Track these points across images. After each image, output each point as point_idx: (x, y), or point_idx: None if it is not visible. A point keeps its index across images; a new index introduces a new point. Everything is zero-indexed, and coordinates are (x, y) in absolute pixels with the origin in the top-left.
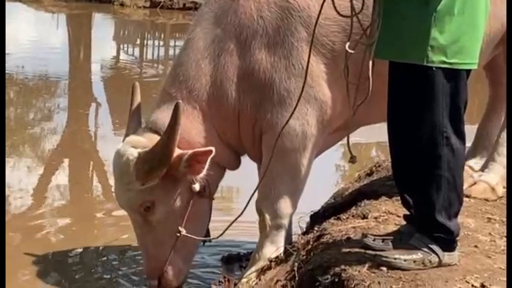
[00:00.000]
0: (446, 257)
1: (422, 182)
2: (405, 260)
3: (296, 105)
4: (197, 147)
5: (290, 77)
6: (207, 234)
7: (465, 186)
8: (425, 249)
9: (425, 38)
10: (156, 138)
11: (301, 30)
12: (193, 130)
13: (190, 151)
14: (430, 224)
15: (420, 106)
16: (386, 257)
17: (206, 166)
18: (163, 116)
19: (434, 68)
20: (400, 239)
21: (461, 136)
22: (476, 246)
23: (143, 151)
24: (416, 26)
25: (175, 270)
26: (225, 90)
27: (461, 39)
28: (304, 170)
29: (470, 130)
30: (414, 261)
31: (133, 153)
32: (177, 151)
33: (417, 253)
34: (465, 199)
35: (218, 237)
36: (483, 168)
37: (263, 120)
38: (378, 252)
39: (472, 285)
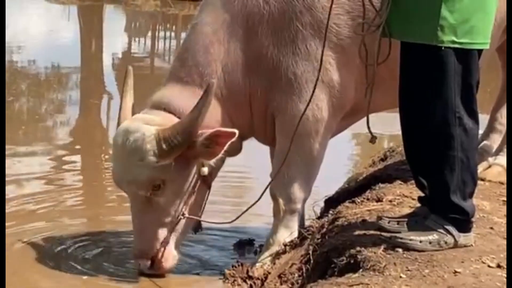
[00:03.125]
0: (462, 238)
1: (436, 163)
2: (420, 241)
3: (313, 93)
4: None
5: (297, 61)
6: (199, 224)
7: (480, 169)
8: (441, 230)
9: (435, 18)
10: (171, 117)
11: (306, 14)
12: (207, 115)
13: (212, 130)
14: (445, 205)
15: (431, 87)
16: (401, 238)
17: (225, 149)
18: (177, 98)
19: (443, 48)
20: (415, 221)
21: (474, 116)
22: (491, 228)
23: (162, 128)
24: (426, 6)
25: (170, 253)
26: (235, 76)
27: (471, 18)
28: (317, 155)
29: (482, 120)
30: (430, 242)
31: (150, 129)
32: None
33: (433, 234)
34: (480, 182)
35: (231, 221)
36: (498, 152)
37: (274, 105)
38: (393, 234)
39: (488, 266)
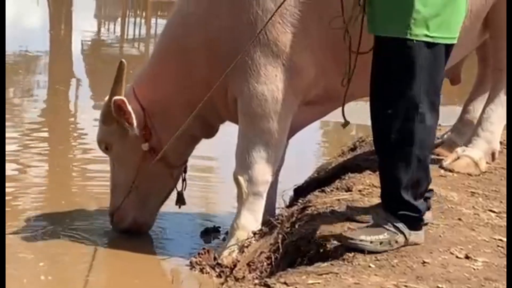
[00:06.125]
0: (413, 236)
1: (392, 157)
2: (371, 242)
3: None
4: (159, 108)
5: (255, 45)
6: (182, 199)
7: (448, 161)
8: (391, 229)
9: (409, 11)
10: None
11: (267, 0)
12: (160, 91)
13: (116, 97)
14: (396, 202)
15: (400, 80)
16: (351, 238)
17: (133, 117)
18: (141, 71)
19: (415, 41)
20: (376, 214)
21: (435, 114)
22: (459, 219)
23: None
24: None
25: (123, 214)
26: (194, 56)
27: (442, 12)
28: (277, 136)
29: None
30: (381, 242)
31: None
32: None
33: (383, 233)
34: (448, 173)
35: None
36: (467, 143)
37: (233, 86)
38: (344, 234)
39: (457, 256)
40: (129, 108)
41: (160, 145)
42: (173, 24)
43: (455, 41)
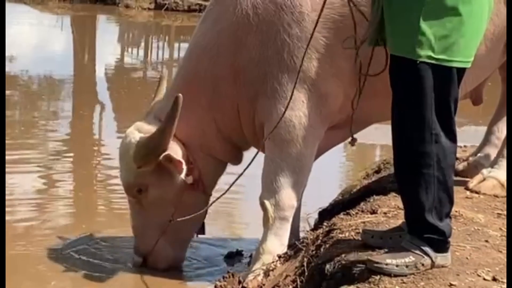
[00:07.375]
0: (439, 258)
1: (411, 181)
2: (397, 266)
3: (291, 97)
4: (193, 139)
5: (283, 71)
6: (202, 228)
7: (474, 182)
8: (417, 252)
9: (414, 32)
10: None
11: (294, 27)
12: (190, 122)
13: (167, 153)
14: (421, 225)
15: (408, 101)
16: (377, 262)
17: (184, 172)
18: (167, 106)
19: (419, 62)
20: (399, 236)
21: (451, 134)
22: (486, 241)
23: (143, 136)
24: (406, 19)
25: (161, 254)
26: (222, 85)
27: (452, 35)
28: (304, 161)
29: (478, 132)
30: (407, 266)
31: (136, 136)
32: (174, 142)
33: (409, 256)
34: (474, 195)
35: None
36: (493, 165)
37: (261, 113)
38: (370, 257)
39: (484, 279)
40: (181, 158)
41: (201, 175)
42: (196, 54)
43: (467, 65)
